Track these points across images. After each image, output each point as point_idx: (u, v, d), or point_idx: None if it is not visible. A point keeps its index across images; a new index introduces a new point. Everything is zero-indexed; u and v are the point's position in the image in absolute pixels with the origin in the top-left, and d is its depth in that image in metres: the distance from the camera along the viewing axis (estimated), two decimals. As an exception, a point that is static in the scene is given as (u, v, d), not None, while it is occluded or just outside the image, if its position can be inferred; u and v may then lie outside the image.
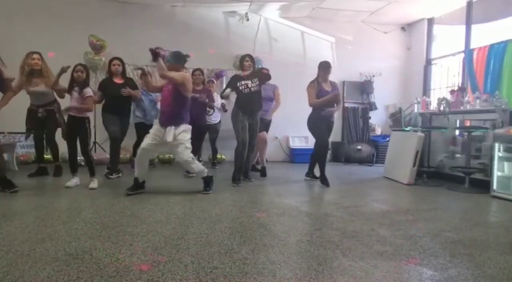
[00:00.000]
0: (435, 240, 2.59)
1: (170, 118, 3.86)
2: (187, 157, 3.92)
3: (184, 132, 3.87)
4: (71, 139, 4.21)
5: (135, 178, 3.98)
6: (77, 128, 4.17)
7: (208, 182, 4.11)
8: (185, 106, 3.97)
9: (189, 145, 3.92)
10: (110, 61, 5.03)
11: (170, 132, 3.82)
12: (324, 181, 4.76)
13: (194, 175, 4.43)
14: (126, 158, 6.08)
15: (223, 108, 6.11)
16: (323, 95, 4.72)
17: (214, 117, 6.09)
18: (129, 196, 3.83)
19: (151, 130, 3.97)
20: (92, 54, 6.57)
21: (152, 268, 1.96)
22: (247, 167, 4.99)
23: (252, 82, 4.68)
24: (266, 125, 5.70)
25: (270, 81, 5.57)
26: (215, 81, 6.40)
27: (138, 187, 3.97)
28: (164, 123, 3.87)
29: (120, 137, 4.94)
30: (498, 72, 5.68)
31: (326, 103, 4.74)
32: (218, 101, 6.01)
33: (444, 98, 5.41)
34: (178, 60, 3.93)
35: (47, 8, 6.57)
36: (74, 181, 4.24)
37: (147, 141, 3.92)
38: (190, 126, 3.98)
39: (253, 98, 4.68)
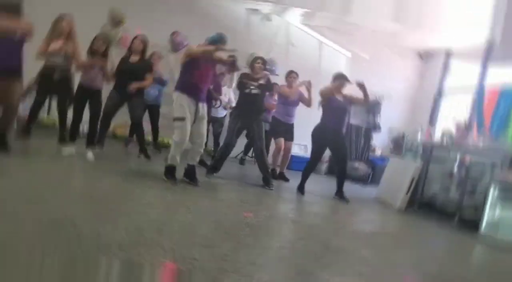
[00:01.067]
0: (415, 269, 2.59)
1: (205, 96, 4.02)
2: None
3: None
4: (80, 109, 4.20)
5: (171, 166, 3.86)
6: (90, 99, 4.17)
7: (193, 173, 3.96)
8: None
9: None
10: (134, 38, 4.87)
11: (204, 109, 3.96)
12: (301, 189, 4.73)
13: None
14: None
15: (229, 104, 6.06)
16: (334, 105, 4.71)
17: (220, 111, 6.04)
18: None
19: (183, 116, 3.74)
20: (109, 27, 6.54)
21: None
22: (264, 175, 4.69)
23: (256, 84, 4.62)
24: (290, 132, 5.66)
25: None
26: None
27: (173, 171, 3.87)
28: (201, 100, 3.91)
29: (110, 114, 4.68)
30: (507, 115, 5.69)
31: (334, 113, 4.73)
32: (227, 96, 5.98)
33: (448, 132, 5.41)
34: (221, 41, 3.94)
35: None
36: (70, 150, 4.22)
37: (185, 131, 3.76)
38: None
39: (250, 101, 4.61)
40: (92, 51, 4.18)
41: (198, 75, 3.81)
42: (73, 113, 4.23)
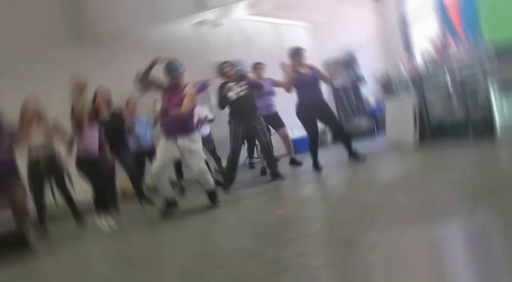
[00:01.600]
0: (455, 197, 2.59)
1: (182, 128, 3.79)
2: (204, 168, 3.89)
3: (197, 142, 3.87)
4: (97, 177, 4.08)
5: (164, 199, 3.91)
6: (92, 167, 4.05)
7: (213, 195, 3.98)
8: (192, 116, 3.99)
9: (203, 155, 3.95)
10: (93, 98, 4.80)
11: (186, 143, 3.77)
12: (316, 166, 4.75)
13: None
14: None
15: (209, 120, 6.06)
16: (302, 79, 4.66)
17: (204, 130, 5.90)
18: (165, 218, 3.76)
19: (158, 151, 3.89)
20: (76, 95, 6.54)
21: None
22: (273, 169, 4.78)
23: (238, 87, 4.63)
24: (278, 120, 5.64)
25: (265, 75, 5.66)
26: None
27: (169, 205, 3.88)
28: (175, 134, 3.78)
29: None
30: (474, 15, 5.64)
31: (307, 87, 4.68)
32: (201, 114, 5.97)
33: (427, 52, 5.34)
34: (169, 71, 3.84)
35: (28, 55, 6.50)
36: (108, 221, 3.96)
37: (155, 165, 3.82)
38: (200, 137, 4.01)
39: (242, 103, 4.61)
40: (77, 122, 4.09)
41: (160, 113, 3.95)
42: (93, 183, 4.05)
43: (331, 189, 3.78)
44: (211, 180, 3.99)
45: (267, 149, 4.79)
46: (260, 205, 3.60)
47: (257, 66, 5.71)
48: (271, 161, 4.82)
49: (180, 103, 3.72)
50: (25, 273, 2.95)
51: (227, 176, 4.72)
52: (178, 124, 3.79)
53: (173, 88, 3.84)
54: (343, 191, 3.46)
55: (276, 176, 4.73)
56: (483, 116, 4.71)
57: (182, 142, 3.77)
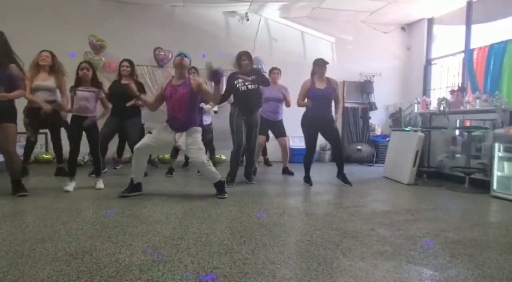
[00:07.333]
0: (435, 240, 2.59)
1: (186, 125, 3.80)
2: (202, 159, 3.83)
3: (193, 136, 3.79)
4: (76, 140, 4.10)
5: (131, 179, 3.87)
6: (86, 128, 4.08)
7: (221, 187, 3.94)
8: (198, 110, 3.98)
9: (202, 146, 3.86)
10: (120, 62, 5.11)
11: (182, 138, 3.77)
12: (307, 179, 4.86)
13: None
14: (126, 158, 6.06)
15: (213, 111, 6.04)
16: (313, 94, 4.69)
17: (206, 119, 5.94)
18: (125, 197, 3.73)
19: (154, 131, 3.86)
20: (92, 54, 6.57)
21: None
22: (249, 170, 4.89)
23: (249, 80, 4.62)
24: (281, 128, 5.69)
25: (280, 82, 5.69)
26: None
27: (133, 189, 3.84)
28: (179, 130, 3.79)
29: (104, 139, 4.78)
30: (498, 72, 5.67)
31: (317, 101, 4.70)
32: (206, 105, 5.95)
33: (444, 98, 5.42)
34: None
35: (47, 7, 6.57)
36: (73, 185, 4.12)
37: (144, 140, 3.82)
38: (200, 129, 3.92)
39: (250, 96, 4.60)
40: (78, 79, 4.12)
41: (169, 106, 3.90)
42: (70, 147, 4.08)
43: (317, 206, 3.76)
44: (213, 173, 3.91)
45: (252, 150, 4.84)
46: (245, 204, 3.59)
47: (273, 71, 5.73)
48: (252, 162, 4.92)
49: (188, 97, 3.80)
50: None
51: (231, 170, 4.66)
52: (181, 120, 3.78)
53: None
54: (327, 211, 3.46)
55: (247, 177, 4.85)
56: (483, 168, 4.74)
57: (180, 135, 3.78)
